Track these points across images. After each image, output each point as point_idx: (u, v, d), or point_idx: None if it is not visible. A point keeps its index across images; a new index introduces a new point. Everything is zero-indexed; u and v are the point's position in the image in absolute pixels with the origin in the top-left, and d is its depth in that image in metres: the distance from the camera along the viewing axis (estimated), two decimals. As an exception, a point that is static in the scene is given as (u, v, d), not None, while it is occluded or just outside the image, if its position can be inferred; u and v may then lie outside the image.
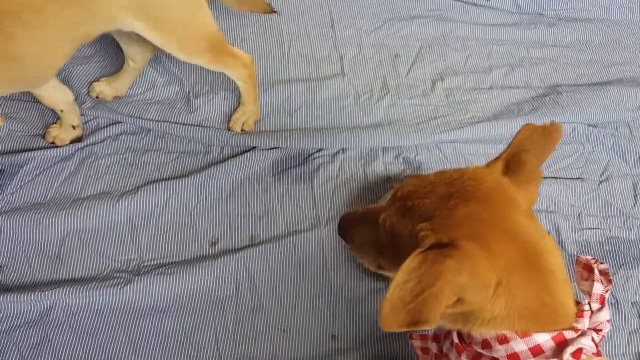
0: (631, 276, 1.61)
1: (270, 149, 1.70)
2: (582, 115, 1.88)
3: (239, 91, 1.68)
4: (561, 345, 0.80)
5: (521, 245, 0.80)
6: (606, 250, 1.66)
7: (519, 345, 0.80)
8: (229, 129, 1.72)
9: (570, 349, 0.78)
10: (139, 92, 1.78)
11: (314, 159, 1.70)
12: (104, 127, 1.70)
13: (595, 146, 1.86)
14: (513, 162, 0.87)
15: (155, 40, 1.37)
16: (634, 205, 1.77)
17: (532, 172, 0.88)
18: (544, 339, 0.80)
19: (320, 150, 1.72)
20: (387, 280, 0.92)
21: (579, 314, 0.84)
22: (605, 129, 1.90)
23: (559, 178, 1.77)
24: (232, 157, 1.68)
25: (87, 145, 1.66)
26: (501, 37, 2.09)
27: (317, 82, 1.86)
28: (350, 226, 1.02)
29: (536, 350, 0.80)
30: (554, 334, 0.80)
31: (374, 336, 1.44)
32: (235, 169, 1.65)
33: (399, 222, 0.85)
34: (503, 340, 0.81)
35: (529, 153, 0.88)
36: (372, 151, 1.74)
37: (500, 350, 0.81)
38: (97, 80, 1.75)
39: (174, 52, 1.43)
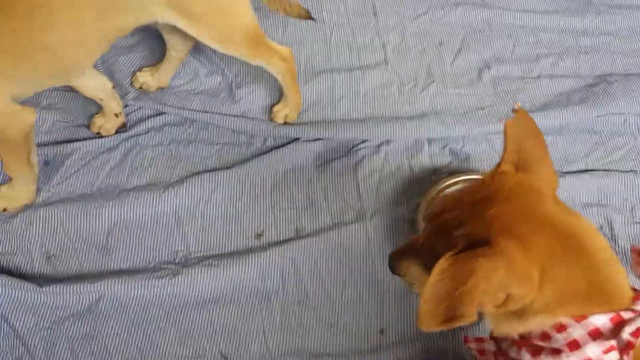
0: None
1: (314, 140, 1.68)
2: (633, 105, 1.83)
3: (280, 83, 1.67)
4: (619, 325, 0.79)
5: (555, 231, 0.81)
6: (659, 244, 1.63)
7: (577, 331, 0.80)
8: (271, 119, 1.72)
9: (629, 329, 0.78)
10: (182, 83, 1.78)
11: (357, 150, 1.69)
12: (148, 118, 1.70)
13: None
14: (519, 158, 0.88)
15: (191, 31, 1.37)
16: (690, 199, 1.72)
17: (540, 156, 0.89)
18: (601, 321, 0.79)
19: (364, 141, 1.70)
20: None
21: (637, 297, 0.83)
22: (658, 119, 1.85)
23: (611, 171, 1.73)
24: (275, 148, 1.68)
25: (131, 136, 1.67)
26: (548, 24, 2.03)
27: (360, 71, 1.84)
28: (398, 260, 1.05)
29: (595, 334, 0.79)
30: (611, 315, 0.80)
31: (423, 331, 1.43)
32: (279, 161, 1.65)
33: (436, 241, 0.87)
34: (561, 328, 0.80)
35: (527, 141, 0.89)
36: (417, 142, 1.72)
37: (559, 340, 0.80)
38: (140, 71, 1.75)
39: (210, 44, 1.43)
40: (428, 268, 0.92)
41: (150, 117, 1.71)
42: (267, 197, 1.61)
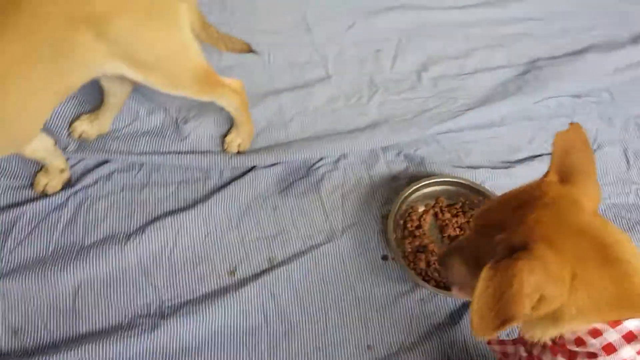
0: (636, 241, 1.71)
1: (272, 165, 1.70)
2: (564, 87, 1.96)
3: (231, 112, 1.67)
4: None
5: (589, 239, 0.87)
6: (609, 218, 1.75)
7: (612, 335, 0.86)
8: (224, 151, 1.71)
9: None
10: (123, 126, 1.74)
11: (316, 169, 1.71)
12: (93, 168, 1.65)
13: (582, 116, 1.95)
14: (565, 170, 0.95)
15: (140, 79, 1.35)
16: (628, 170, 1.87)
17: (586, 170, 0.95)
18: (634, 324, 0.86)
19: (321, 159, 1.73)
20: None
21: None
22: (588, 97, 2.00)
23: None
24: (234, 179, 1.68)
25: (80, 190, 1.61)
26: (474, 18, 2.14)
27: (305, 89, 1.86)
28: (446, 258, 1.08)
29: (629, 337, 0.86)
30: None
31: (409, 341, 1.48)
32: (239, 192, 1.65)
33: (479, 242, 0.94)
34: (596, 333, 0.87)
35: (575, 154, 0.96)
36: (373, 153, 1.76)
37: (594, 344, 0.86)
38: (78, 119, 1.70)
39: (161, 88, 1.42)
40: (470, 267, 0.98)
41: (96, 166, 1.66)
42: (233, 231, 1.60)
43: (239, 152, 1.70)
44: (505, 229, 0.89)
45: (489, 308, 0.81)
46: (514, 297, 0.80)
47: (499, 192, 1.70)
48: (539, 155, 1.84)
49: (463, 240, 1.03)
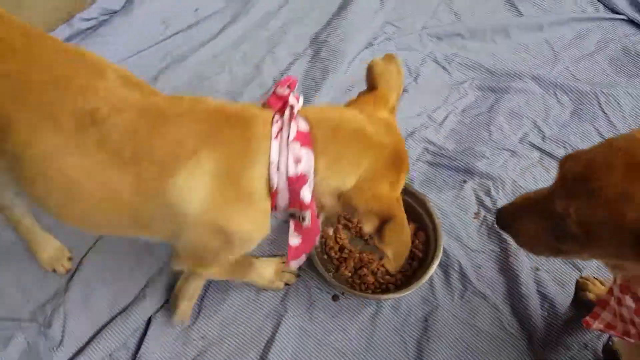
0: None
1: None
2: (356, 44, 2.08)
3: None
4: None
5: None
6: (476, 128, 1.89)
7: None
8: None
9: None
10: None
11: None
12: None
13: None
14: None
15: None
16: (450, 75, 2.02)
17: None
18: None
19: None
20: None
21: None
22: (378, 38, 2.11)
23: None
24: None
25: None
26: (235, 36, 2.10)
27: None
28: (514, 220, 1.01)
29: None
30: None
31: (412, 352, 1.48)
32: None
33: (586, 208, 0.85)
34: None
35: None
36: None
37: None
38: None
39: None
40: (560, 233, 0.91)
41: None
42: None
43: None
44: (633, 199, 0.80)
45: None
46: None
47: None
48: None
49: (542, 200, 0.94)
